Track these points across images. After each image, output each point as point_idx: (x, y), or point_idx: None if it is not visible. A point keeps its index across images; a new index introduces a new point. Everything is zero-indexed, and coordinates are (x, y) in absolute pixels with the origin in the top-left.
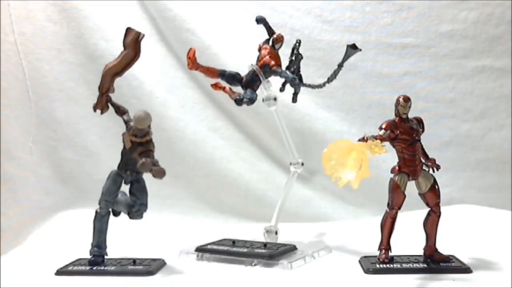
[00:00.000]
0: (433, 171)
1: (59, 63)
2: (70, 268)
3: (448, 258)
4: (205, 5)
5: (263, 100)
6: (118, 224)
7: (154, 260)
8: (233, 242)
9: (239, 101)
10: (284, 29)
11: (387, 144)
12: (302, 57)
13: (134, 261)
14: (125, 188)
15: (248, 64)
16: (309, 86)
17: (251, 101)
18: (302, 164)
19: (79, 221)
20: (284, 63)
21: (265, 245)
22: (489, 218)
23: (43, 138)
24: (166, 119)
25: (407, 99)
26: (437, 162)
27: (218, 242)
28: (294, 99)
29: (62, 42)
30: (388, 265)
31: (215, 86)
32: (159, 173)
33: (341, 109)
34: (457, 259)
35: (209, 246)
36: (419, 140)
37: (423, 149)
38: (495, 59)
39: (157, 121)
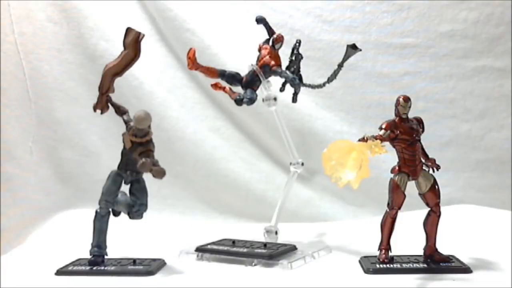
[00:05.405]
0: (433, 171)
1: (59, 63)
2: (70, 268)
3: (448, 258)
4: (205, 5)
5: (263, 100)
6: (118, 224)
7: (154, 260)
8: (233, 242)
9: (239, 101)
10: (284, 29)
11: (387, 144)
12: (302, 57)
13: (134, 261)
14: (125, 188)
15: (248, 64)
16: (309, 86)
17: (251, 101)
18: (302, 164)
19: (79, 221)
20: (284, 63)
21: (265, 245)
22: (489, 218)
23: (43, 138)
24: (166, 119)
25: (407, 99)
26: (437, 162)
27: (218, 242)
28: (294, 99)
29: (62, 42)
30: (388, 265)
31: (215, 86)
32: (159, 173)
33: (341, 109)
34: (457, 259)
35: (209, 246)
36: (419, 140)
37: (423, 149)
38: (495, 59)
39: (157, 121)
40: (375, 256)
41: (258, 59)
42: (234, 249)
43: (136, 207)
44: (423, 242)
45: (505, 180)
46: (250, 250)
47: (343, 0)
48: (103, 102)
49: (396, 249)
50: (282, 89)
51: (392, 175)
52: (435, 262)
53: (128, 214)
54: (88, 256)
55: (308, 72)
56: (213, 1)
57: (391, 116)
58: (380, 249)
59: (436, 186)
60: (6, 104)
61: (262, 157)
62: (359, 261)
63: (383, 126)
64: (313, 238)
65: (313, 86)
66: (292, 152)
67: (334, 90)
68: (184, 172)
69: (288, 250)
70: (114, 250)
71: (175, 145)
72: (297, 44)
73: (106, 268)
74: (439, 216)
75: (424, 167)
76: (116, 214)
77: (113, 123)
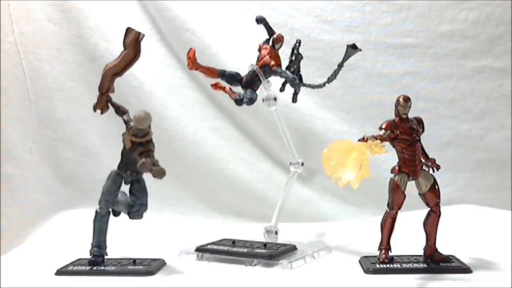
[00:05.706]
0: (433, 171)
1: (59, 63)
2: (70, 268)
3: (448, 258)
4: (205, 5)
5: (263, 100)
6: (118, 224)
7: (154, 260)
8: (233, 242)
9: (239, 101)
10: (284, 29)
11: (387, 144)
12: (302, 57)
13: (134, 261)
14: (125, 188)
15: (248, 64)
16: (309, 86)
17: (251, 101)
18: (302, 164)
19: (79, 221)
20: (284, 63)
21: (265, 245)
22: (489, 218)
23: (43, 138)
24: (166, 119)
25: (407, 99)
26: (437, 162)
27: (218, 242)
28: (294, 99)
29: (62, 42)
30: (388, 265)
31: (215, 86)
32: (159, 173)
33: (341, 109)
34: (457, 259)
35: (209, 246)
36: (419, 140)
37: (423, 149)
38: (495, 59)
39: (157, 121)
40: (375, 256)
41: (258, 59)
42: (234, 249)
43: (136, 207)
44: (423, 242)
45: (505, 180)
46: (250, 250)
47: (343, 0)
48: (103, 102)
49: (396, 249)
50: (282, 89)
51: (392, 175)
52: (435, 262)
53: (128, 214)
54: (88, 256)
55: (308, 72)
56: (213, 1)
57: (391, 116)
58: (380, 249)
59: (436, 186)
60: (6, 104)
61: (262, 157)
62: (359, 261)
63: (383, 126)
64: (313, 238)
65: (313, 86)
66: (292, 152)
67: (334, 90)
68: (184, 172)
69: (288, 250)
70: (114, 250)
71: (175, 145)
72: (297, 44)
73: (106, 268)
74: (439, 216)
75: (424, 167)
76: (116, 214)
77: (113, 123)
